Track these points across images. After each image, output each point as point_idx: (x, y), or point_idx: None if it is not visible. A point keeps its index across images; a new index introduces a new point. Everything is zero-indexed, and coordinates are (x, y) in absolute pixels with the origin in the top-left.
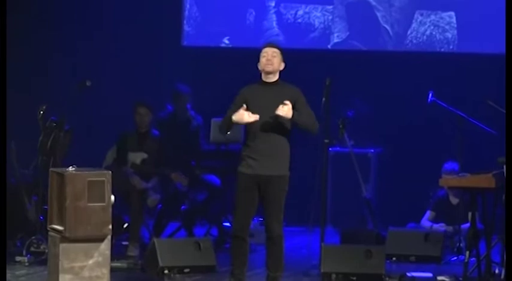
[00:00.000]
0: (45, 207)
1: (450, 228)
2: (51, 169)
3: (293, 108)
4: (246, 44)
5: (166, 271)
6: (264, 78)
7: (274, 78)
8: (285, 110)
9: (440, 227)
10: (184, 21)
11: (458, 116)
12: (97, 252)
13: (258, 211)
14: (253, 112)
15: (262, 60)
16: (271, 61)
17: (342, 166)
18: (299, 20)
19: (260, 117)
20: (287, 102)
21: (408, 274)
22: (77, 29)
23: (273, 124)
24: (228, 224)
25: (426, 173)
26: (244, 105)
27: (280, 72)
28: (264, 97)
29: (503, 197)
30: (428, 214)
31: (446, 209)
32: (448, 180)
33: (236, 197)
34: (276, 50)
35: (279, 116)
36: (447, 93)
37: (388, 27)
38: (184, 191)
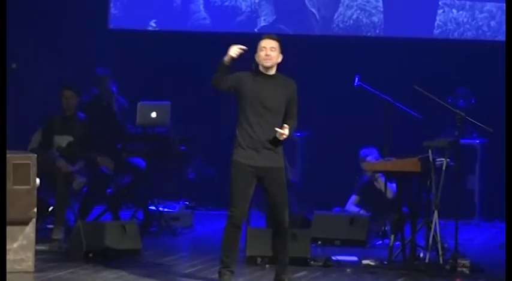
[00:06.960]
0: None
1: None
2: None
3: (287, 104)
4: (173, 27)
5: (90, 255)
6: (263, 70)
7: (272, 71)
8: (284, 136)
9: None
10: (111, 4)
11: (384, 100)
12: (22, 235)
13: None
14: (252, 103)
15: (261, 54)
16: (270, 56)
17: None
18: (226, 3)
19: (259, 109)
20: (285, 127)
21: (333, 258)
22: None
23: (272, 117)
24: (153, 208)
25: (352, 158)
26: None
27: (278, 64)
28: (263, 89)
29: (428, 181)
30: (354, 198)
31: (371, 194)
32: (373, 165)
33: (235, 186)
34: (274, 43)
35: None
36: (373, 77)
37: (315, 11)
38: (110, 175)
